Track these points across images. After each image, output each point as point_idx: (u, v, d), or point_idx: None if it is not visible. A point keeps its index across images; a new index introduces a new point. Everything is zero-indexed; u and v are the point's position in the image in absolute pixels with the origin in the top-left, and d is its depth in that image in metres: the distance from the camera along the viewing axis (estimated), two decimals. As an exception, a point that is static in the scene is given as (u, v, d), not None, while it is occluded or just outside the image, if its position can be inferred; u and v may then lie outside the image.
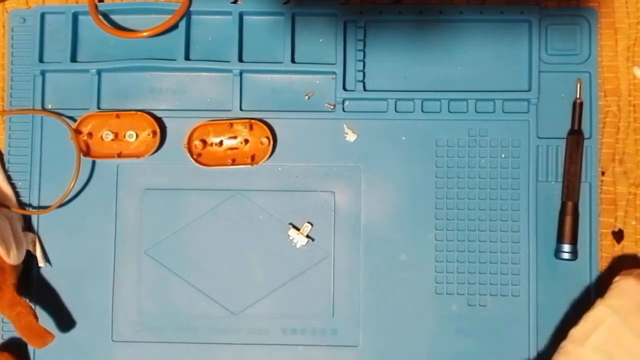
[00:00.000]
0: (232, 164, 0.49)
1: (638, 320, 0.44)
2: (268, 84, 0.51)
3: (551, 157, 0.50)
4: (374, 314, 0.49)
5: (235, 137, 0.50)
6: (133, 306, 0.50)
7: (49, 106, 0.51)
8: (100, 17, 0.51)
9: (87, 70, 0.51)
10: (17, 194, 0.51)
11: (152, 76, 0.51)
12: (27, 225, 0.51)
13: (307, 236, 0.50)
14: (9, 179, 0.51)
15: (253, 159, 0.50)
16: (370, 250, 0.49)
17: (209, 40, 0.52)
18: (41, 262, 0.50)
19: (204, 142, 0.50)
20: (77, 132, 0.50)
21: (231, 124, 0.50)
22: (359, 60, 0.50)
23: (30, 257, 0.50)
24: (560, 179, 0.49)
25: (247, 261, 0.50)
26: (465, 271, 0.49)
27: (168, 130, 0.51)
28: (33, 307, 0.47)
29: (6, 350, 0.49)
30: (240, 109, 0.51)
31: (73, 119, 0.51)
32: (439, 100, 0.50)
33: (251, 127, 0.50)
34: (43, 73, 0.51)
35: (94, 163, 0.51)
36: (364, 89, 0.50)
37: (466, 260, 0.49)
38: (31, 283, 0.50)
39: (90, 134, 0.50)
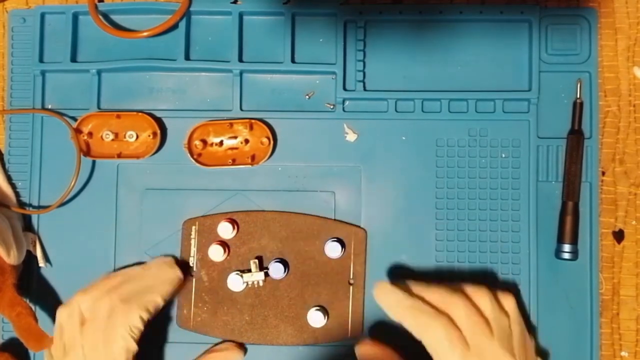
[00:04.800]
0: (233, 164, 0.49)
1: None
2: (268, 84, 0.51)
3: (551, 157, 0.50)
4: (374, 314, 0.49)
5: (235, 137, 0.50)
6: (133, 306, 0.50)
7: (49, 106, 0.51)
8: (100, 17, 0.51)
9: (87, 70, 0.51)
10: (17, 194, 0.51)
11: (152, 76, 0.51)
12: (27, 225, 0.51)
13: (307, 236, 0.50)
14: (9, 179, 0.51)
15: (253, 159, 0.50)
16: (370, 251, 0.49)
17: (209, 40, 0.52)
18: (41, 262, 0.50)
19: (204, 142, 0.50)
20: (78, 131, 0.50)
21: (231, 124, 0.50)
22: (359, 60, 0.50)
23: (30, 257, 0.50)
24: (560, 178, 0.49)
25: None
26: (466, 271, 0.49)
27: (168, 130, 0.51)
28: (33, 307, 0.47)
29: (6, 350, 0.49)
30: (241, 109, 0.51)
31: (74, 119, 0.51)
32: (439, 100, 0.50)
33: (251, 127, 0.50)
34: (43, 73, 0.51)
35: (94, 163, 0.51)
36: (364, 89, 0.50)
37: (466, 260, 0.49)
38: (31, 283, 0.50)
39: (90, 134, 0.50)
